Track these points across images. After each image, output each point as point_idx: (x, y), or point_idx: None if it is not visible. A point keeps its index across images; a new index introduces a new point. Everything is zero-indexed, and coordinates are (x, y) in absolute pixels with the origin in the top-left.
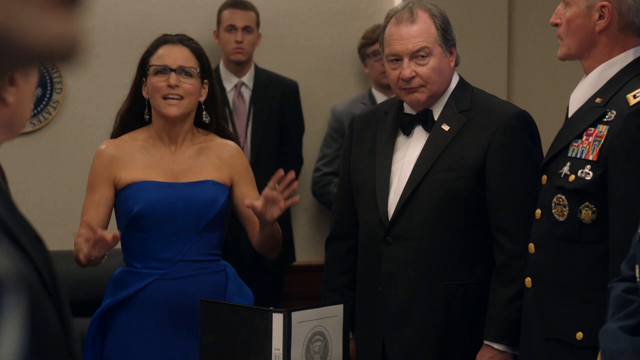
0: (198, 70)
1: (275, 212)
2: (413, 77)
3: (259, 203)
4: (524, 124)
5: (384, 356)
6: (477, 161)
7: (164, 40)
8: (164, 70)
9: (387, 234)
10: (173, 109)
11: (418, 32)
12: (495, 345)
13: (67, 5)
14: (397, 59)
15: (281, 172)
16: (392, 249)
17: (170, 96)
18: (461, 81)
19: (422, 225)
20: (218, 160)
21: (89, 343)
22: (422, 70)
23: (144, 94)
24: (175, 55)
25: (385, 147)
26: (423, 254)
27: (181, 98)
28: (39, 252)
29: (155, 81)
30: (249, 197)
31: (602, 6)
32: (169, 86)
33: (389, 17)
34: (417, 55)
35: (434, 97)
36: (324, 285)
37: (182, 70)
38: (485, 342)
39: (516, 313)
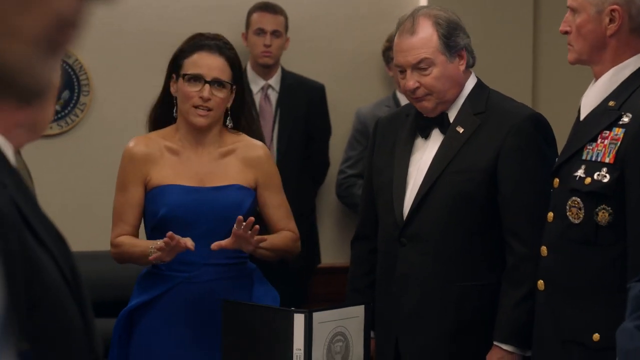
0: (230, 80)
1: (247, 248)
2: (417, 88)
3: (227, 242)
4: (538, 126)
5: (397, 356)
6: (489, 163)
7: (200, 44)
8: (198, 79)
9: (401, 235)
10: (202, 120)
11: (418, 43)
12: (504, 346)
13: (54, 53)
14: (402, 70)
15: (240, 219)
16: (405, 250)
17: (201, 107)
18: (479, 83)
19: (435, 227)
20: (244, 163)
21: (114, 343)
22: (425, 80)
23: (173, 91)
24: (211, 65)
25: (404, 149)
26: (436, 255)
27: (210, 109)
28: (61, 251)
29: (188, 90)
30: (271, 202)
31: (612, 10)
32: (201, 97)
33: (397, 27)
34: (418, 66)
35: (445, 103)
36: (348, 286)
37: (215, 82)
38: (495, 342)
39: (525, 315)
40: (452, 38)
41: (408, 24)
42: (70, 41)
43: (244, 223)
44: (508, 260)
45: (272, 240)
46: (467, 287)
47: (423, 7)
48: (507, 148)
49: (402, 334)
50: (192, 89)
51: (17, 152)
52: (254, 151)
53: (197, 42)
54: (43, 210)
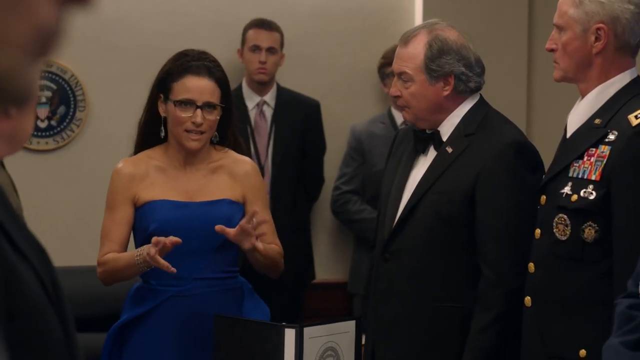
0: (220, 101)
1: (246, 244)
2: (399, 96)
3: (233, 230)
4: (518, 153)
5: None
6: (468, 186)
7: (188, 66)
8: (190, 104)
9: (384, 250)
10: (195, 144)
11: (405, 56)
12: None
13: (38, 59)
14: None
15: (256, 210)
16: (388, 265)
17: (194, 132)
18: (478, 104)
19: (415, 245)
20: (232, 178)
21: (105, 358)
22: (404, 92)
23: (161, 112)
24: (202, 90)
25: (406, 163)
26: (413, 273)
27: (203, 132)
28: (42, 262)
29: (180, 115)
30: (262, 215)
31: (598, 28)
32: (194, 122)
33: None
34: (400, 77)
35: (426, 121)
36: (362, 291)
37: (207, 106)
38: None
39: (489, 341)
40: (436, 61)
41: (408, 33)
42: (52, 49)
43: (255, 219)
44: (479, 284)
45: (265, 247)
46: (441, 307)
47: (436, 22)
48: (485, 172)
49: (378, 345)
50: (184, 114)
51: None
52: (241, 166)
53: (185, 64)
54: (24, 222)
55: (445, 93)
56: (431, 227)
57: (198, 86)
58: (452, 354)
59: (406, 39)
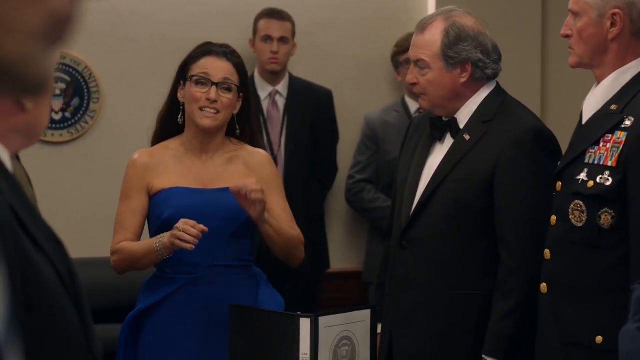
0: (237, 85)
1: (252, 211)
2: (415, 84)
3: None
4: (537, 139)
5: (390, 356)
6: (487, 173)
7: (208, 50)
8: (206, 81)
9: (402, 238)
10: (208, 121)
11: (421, 43)
12: (489, 359)
13: (52, 46)
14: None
15: (247, 183)
16: (405, 253)
17: (208, 109)
18: (495, 91)
19: (433, 233)
20: (246, 168)
21: (121, 347)
22: (421, 80)
23: (180, 97)
24: (218, 68)
25: (423, 151)
26: (432, 261)
27: (217, 112)
28: (59, 254)
29: (195, 91)
30: (274, 206)
31: (614, 14)
32: (208, 99)
33: None
34: (417, 64)
35: (443, 108)
36: (376, 280)
37: (223, 85)
38: (483, 355)
39: (511, 328)
40: (453, 48)
41: (425, 20)
42: (66, 36)
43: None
44: (499, 271)
45: (280, 225)
46: (461, 295)
47: (453, 9)
48: (503, 159)
49: (396, 333)
50: (199, 90)
51: (15, 157)
52: (256, 157)
53: (205, 48)
54: (40, 215)
55: (463, 80)
56: (449, 215)
57: (215, 65)
58: (470, 341)
59: (423, 26)
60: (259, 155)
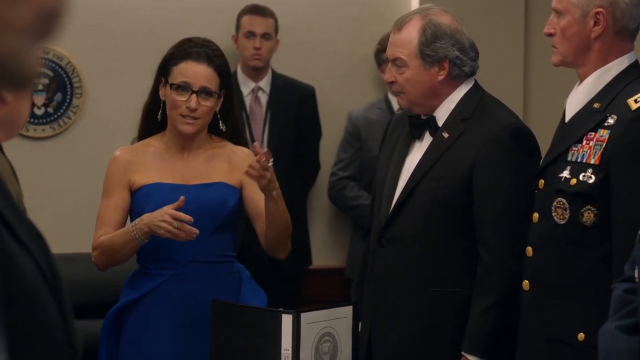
0: (217, 92)
1: (261, 180)
2: (393, 82)
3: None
4: (516, 136)
5: (369, 354)
6: (465, 171)
7: (188, 52)
8: (186, 88)
9: (381, 236)
10: (188, 128)
11: (398, 41)
12: (469, 356)
13: (40, 41)
14: None
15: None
16: (384, 251)
17: (188, 117)
18: (472, 89)
19: (412, 231)
20: (229, 164)
21: (103, 342)
22: (399, 78)
23: (161, 95)
24: (198, 75)
25: (401, 150)
26: (411, 259)
27: (197, 118)
28: (39, 247)
29: (175, 98)
30: (259, 196)
31: (597, 12)
32: (188, 107)
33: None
34: (394, 63)
35: (421, 106)
36: (357, 278)
37: (203, 92)
38: (462, 352)
39: (490, 325)
40: (430, 46)
41: (401, 19)
42: (54, 30)
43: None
44: (478, 269)
45: (282, 203)
46: (439, 292)
47: (430, 7)
48: (482, 157)
49: (376, 331)
50: (179, 98)
51: None
52: (238, 153)
53: (186, 49)
54: (21, 209)
55: (440, 78)
56: (428, 213)
57: (195, 71)
58: (450, 338)
59: (399, 24)
60: (241, 151)
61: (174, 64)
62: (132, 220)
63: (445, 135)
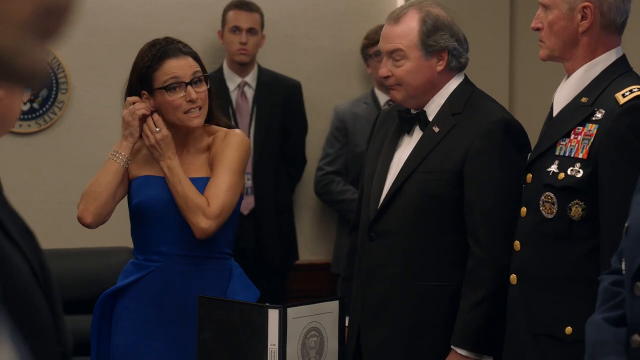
0: (204, 75)
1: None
2: (389, 76)
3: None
4: (507, 131)
5: (358, 348)
6: (457, 165)
7: (163, 52)
8: (179, 85)
9: (370, 229)
10: (197, 121)
11: (397, 33)
12: (458, 350)
13: (47, 39)
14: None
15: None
16: (374, 245)
17: (192, 110)
18: (463, 83)
19: (401, 225)
20: (209, 154)
21: (94, 332)
22: (396, 71)
23: (150, 107)
24: (182, 67)
25: (390, 143)
26: (400, 252)
27: (200, 108)
28: (29, 244)
29: (173, 99)
30: (213, 176)
31: (584, 7)
32: (190, 101)
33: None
34: (392, 56)
35: (417, 99)
36: (342, 273)
37: (195, 80)
38: (451, 345)
39: (481, 319)
40: (432, 37)
41: (397, 11)
42: (59, 28)
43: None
44: (468, 262)
45: (183, 180)
46: (430, 286)
47: (423, 0)
48: (473, 151)
49: (364, 326)
50: (176, 97)
51: None
52: (223, 134)
53: (158, 53)
54: (10, 204)
55: (439, 68)
56: (418, 206)
57: (179, 65)
58: (439, 332)
59: (396, 17)
60: (220, 133)
61: (154, 70)
62: (129, 209)
63: (436, 129)
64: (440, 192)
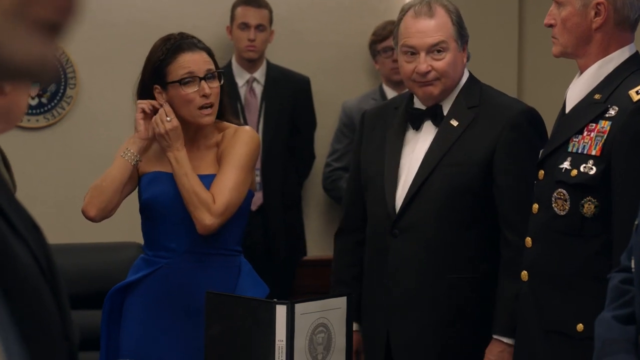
0: (217, 71)
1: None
2: (429, 71)
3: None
4: (532, 121)
5: (388, 348)
6: (485, 156)
7: (178, 47)
8: (193, 79)
9: (393, 226)
10: (209, 118)
11: (436, 26)
12: (504, 339)
13: (51, 33)
14: (413, 52)
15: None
16: (398, 241)
17: (205, 106)
18: (471, 77)
19: (429, 219)
20: (218, 151)
21: (103, 327)
22: (438, 64)
23: (162, 102)
24: (197, 62)
25: (395, 141)
26: (428, 247)
27: (212, 105)
28: (35, 238)
29: (186, 93)
30: (219, 173)
31: (598, 3)
32: (203, 96)
33: (404, 11)
34: (434, 49)
35: (446, 92)
36: (332, 277)
37: (208, 75)
38: (495, 336)
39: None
40: (463, 28)
41: (425, 8)
42: (61, 18)
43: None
44: (503, 252)
45: (189, 173)
46: (459, 279)
47: None
48: (503, 141)
49: (394, 325)
50: (190, 91)
51: None
52: (225, 135)
53: (172, 47)
54: (17, 198)
55: (464, 60)
56: (445, 199)
57: (194, 59)
58: (471, 324)
59: (427, 11)
60: (229, 130)
61: (168, 63)
62: (139, 204)
63: (455, 123)
64: (467, 184)
